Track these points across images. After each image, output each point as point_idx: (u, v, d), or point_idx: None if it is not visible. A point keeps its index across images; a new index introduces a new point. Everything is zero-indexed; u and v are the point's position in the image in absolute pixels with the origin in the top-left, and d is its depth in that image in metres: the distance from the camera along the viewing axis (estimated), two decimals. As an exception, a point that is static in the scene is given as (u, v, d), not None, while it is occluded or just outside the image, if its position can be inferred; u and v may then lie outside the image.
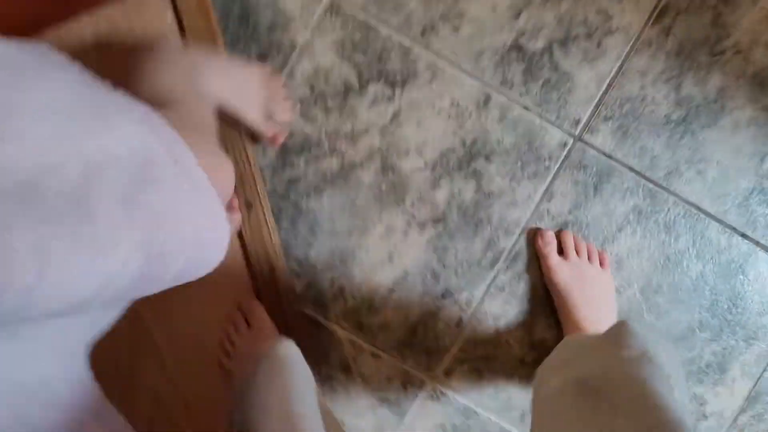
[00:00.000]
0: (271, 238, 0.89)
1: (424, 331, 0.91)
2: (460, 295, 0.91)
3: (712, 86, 0.90)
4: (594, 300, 0.87)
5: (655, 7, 0.89)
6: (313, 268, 0.90)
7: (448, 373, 0.92)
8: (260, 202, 0.88)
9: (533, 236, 0.90)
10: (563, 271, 0.87)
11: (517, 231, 0.91)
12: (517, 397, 0.92)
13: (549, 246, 0.88)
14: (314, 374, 0.73)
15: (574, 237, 0.90)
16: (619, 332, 0.64)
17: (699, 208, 0.91)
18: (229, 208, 0.86)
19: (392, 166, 0.89)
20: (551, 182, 0.90)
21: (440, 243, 0.90)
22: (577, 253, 0.89)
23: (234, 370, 0.90)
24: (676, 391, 0.53)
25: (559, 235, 0.90)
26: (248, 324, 0.90)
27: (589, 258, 0.89)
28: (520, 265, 0.91)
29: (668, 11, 0.88)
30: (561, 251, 0.89)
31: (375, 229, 0.90)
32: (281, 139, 0.87)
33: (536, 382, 0.72)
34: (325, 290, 0.90)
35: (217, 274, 0.90)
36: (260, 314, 0.90)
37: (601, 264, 0.90)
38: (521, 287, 0.91)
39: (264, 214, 0.89)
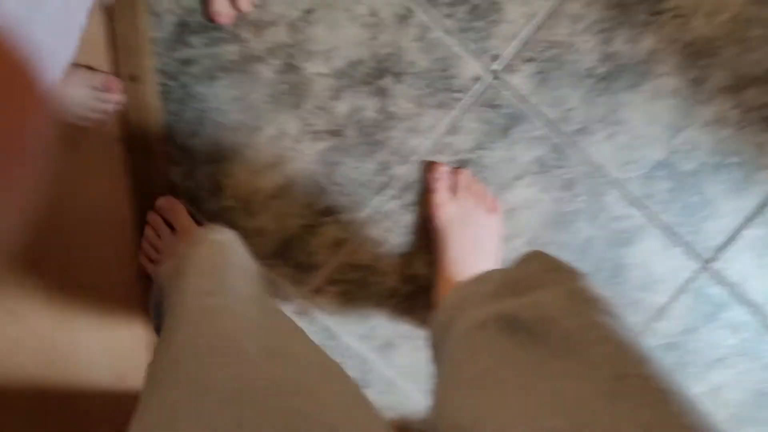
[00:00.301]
0: (152, 119, 0.83)
1: (300, 245, 0.88)
2: (343, 215, 0.87)
3: (643, 47, 0.86)
4: (473, 244, 0.84)
5: (602, -51, 0.83)
6: (193, 158, 0.85)
7: (317, 292, 0.89)
8: (146, 78, 0.82)
9: (427, 168, 0.86)
10: (448, 209, 0.84)
11: (414, 160, 0.87)
12: (383, 326, 0.91)
13: (439, 181, 0.85)
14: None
15: (470, 178, 0.86)
16: (551, 266, 0.56)
17: (602, 172, 0.88)
18: (107, 88, 0.79)
19: (295, 67, 0.83)
20: (458, 116, 0.86)
21: (332, 157, 0.86)
22: (468, 194, 0.85)
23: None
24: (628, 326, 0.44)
25: (454, 173, 0.86)
26: (171, 226, 0.84)
27: (480, 202, 0.86)
28: (410, 195, 0.88)
29: (614, -44, 0.83)
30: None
31: (266, 130, 0.85)
32: (225, 21, 0.79)
33: (440, 324, 0.65)
34: (202, 184, 0.85)
35: (85, 144, 0.85)
36: (183, 215, 0.84)
37: (492, 210, 0.87)
38: (407, 218, 0.88)
39: (148, 92, 0.82)
